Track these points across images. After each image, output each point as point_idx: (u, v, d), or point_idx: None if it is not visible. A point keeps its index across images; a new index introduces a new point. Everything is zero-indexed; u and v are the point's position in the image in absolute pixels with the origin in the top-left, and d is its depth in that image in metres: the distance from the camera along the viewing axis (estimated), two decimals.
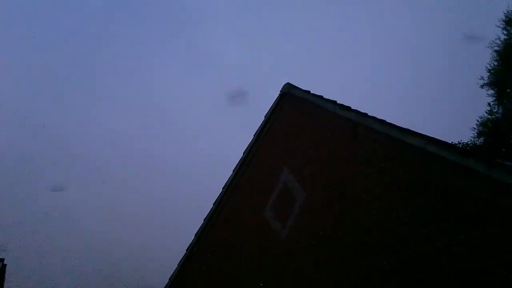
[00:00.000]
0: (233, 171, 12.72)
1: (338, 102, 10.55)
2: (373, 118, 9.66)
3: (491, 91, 17.96)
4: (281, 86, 12.23)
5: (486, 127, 17.79)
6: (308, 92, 11.40)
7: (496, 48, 18.01)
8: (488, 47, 18.21)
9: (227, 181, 12.79)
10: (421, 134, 8.79)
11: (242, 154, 12.63)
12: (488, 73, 17.93)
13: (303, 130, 11.31)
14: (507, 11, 17.98)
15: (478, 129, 17.96)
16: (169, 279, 13.42)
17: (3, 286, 14.69)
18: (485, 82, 18.03)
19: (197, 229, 13.16)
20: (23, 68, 37.62)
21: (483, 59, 18.35)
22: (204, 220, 13.06)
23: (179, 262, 13.26)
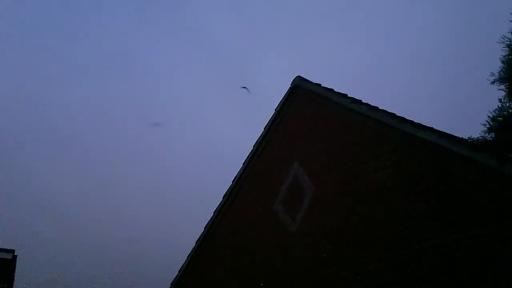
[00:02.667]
0: (242, 164, 12.73)
1: (349, 95, 10.53)
2: (384, 111, 9.62)
3: (502, 86, 17.83)
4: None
5: (497, 122, 17.68)
6: (319, 85, 11.36)
7: (508, 42, 17.86)
8: (500, 42, 18.07)
9: (237, 174, 12.80)
10: (433, 128, 8.75)
11: (252, 147, 12.63)
12: (502, 65, 17.76)
13: (313, 124, 11.28)
14: None
15: (488, 124, 17.84)
16: (179, 271, 13.47)
17: (13, 277, 14.75)
18: (496, 77, 17.89)
19: (207, 222, 13.19)
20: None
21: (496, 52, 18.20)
22: (213, 213, 13.09)
23: (188, 255, 13.31)
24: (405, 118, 9.25)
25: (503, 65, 17.77)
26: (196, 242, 13.26)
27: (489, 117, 17.91)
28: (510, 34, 17.92)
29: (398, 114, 9.47)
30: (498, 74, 17.96)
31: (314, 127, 11.24)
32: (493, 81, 18.09)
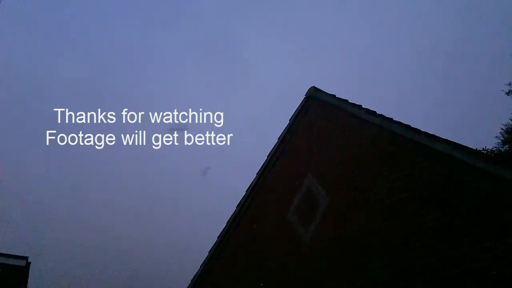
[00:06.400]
0: (256, 174, 12.77)
1: (363, 106, 10.57)
2: (399, 123, 9.64)
3: None
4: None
5: (511, 134, 17.60)
6: (334, 96, 11.41)
7: None
8: None
9: (251, 183, 12.84)
10: (448, 140, 8.74)
11: (266, 157, 12.68)
12: None
13: (327, 134, 11.31)
14: None
15: (503, 136, 17.77)
16: (191, 280, 13.49)
17: (26, 284, 14.84)
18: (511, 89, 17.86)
19: (220, 231, 13.23)
20: None
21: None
22: (227, 222, 13.12)
23: (202, 264, 13.33)
24: (419, 130, 9.26)
25: None
26: (209, 252, 13.29)
27: (503, 129, 17.86)
28: None
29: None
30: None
31: (328, 137, 11.27)
32: (508, 91, 18.05)
